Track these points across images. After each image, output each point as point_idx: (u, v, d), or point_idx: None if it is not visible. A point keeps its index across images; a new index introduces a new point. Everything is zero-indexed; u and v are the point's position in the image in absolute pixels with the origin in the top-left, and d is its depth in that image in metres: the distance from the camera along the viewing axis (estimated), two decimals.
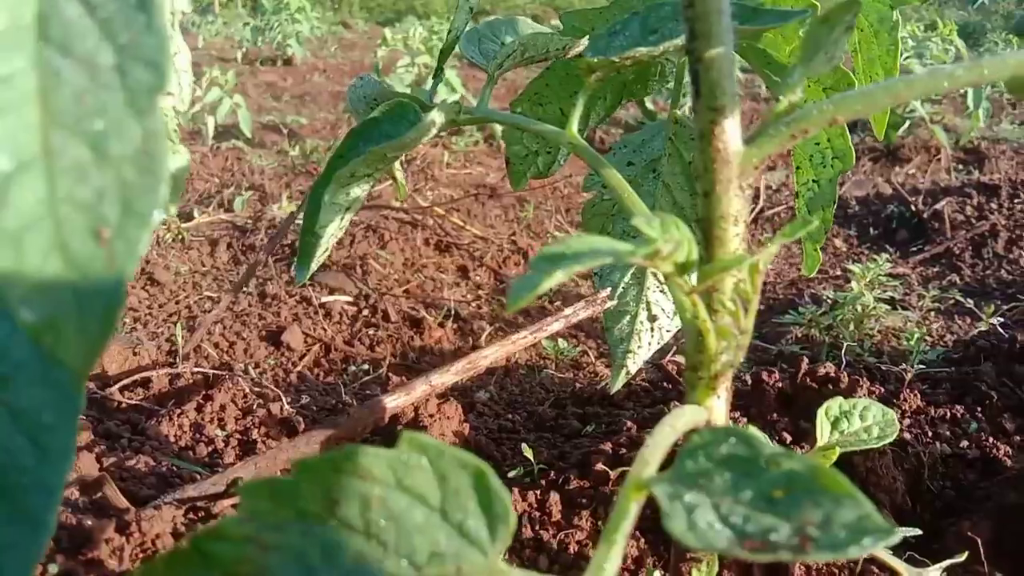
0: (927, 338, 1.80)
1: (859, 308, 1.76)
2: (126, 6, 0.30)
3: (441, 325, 1.81)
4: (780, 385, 0.95)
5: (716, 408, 0.57)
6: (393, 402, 0.78)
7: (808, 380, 0.94)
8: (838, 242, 2.49)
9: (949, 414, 0.95)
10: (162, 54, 0.30)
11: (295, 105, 5.60)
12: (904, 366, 1.04)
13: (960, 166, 4.18)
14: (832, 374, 0.94)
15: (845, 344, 1.62)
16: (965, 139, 4.47)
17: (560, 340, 1.46)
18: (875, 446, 0.64)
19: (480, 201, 2.83)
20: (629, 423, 0.92)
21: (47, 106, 0.30)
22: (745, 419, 0.92)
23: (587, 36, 0.91)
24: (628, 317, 0.92)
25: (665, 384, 1.12)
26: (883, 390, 0.98)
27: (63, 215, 0.29)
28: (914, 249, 2.39)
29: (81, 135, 0.30)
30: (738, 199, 0.55)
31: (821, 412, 0.67)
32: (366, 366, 1.63)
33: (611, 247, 0.42)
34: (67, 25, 0.31)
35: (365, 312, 1.84)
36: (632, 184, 0.97)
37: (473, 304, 2.02)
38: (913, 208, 2.51)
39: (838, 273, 2.27)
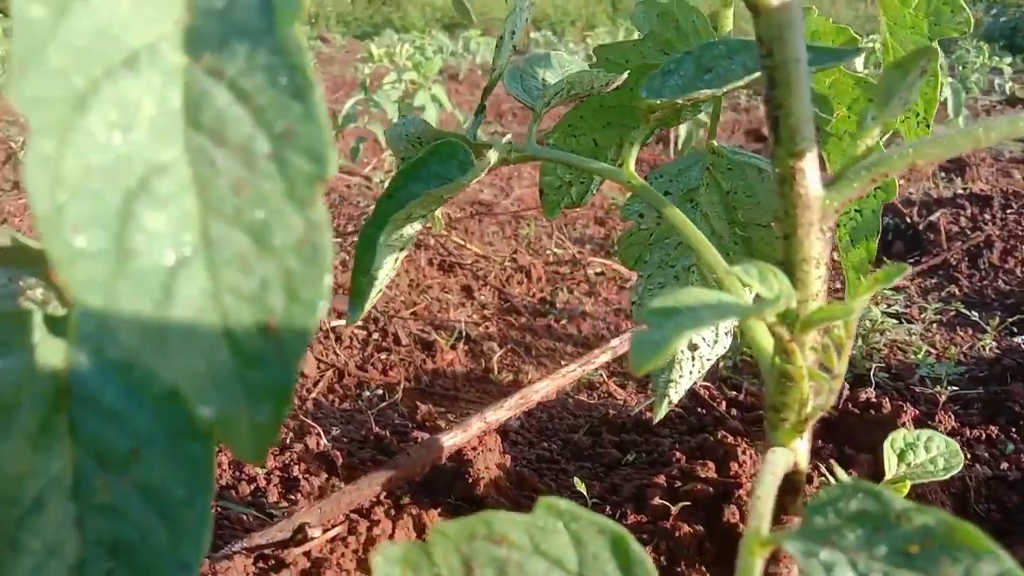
0: (932, 350, 1.83)
1: (867, 323, 1.78)
2: (281, 94, 0.30)
3: (452, 347, 1.81)
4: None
5: (800, 449, 0.57)
6: (450, 440, 0.78)
7: (850, 406, 0.95)
8: (836, 255, 2.52)
9: (984, 435, 0.96)
10: (322, 143, 0.29)
11: None
12: (938, 388, 1.05)
13: (943, 174, 4.24)
14: (873, 399, 0.95)
15: (855, 362, 1.64)
16: None
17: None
18: (943, 478, 0.65)
19: (477, 218, 2.84)
20: (678, 453, 0.92)
21: (204, 196, 0.30)
22: None
23: (626, 71, 0.91)
24: None
25: (700, 410, 1.12)
26: (918, 412, 0.99)
27: (228, 307, 0.29)
28: (911, 261, 2.41)
29: (241, 225, 0.29)
30: (819, 242, 0.55)
31: (887, 445, 0.67)
32: (380, 391, 1.62)
33: (728, 304, 0.42)
34: (218, 113, 0.30)
35: (375, 336, 1.84)
36: None
37: (481, 325, 2.02)
38: (908, 220, 2.54)
39: (838, 286, 2.29)
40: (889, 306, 1.98)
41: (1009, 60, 8.32)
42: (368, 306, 0.78)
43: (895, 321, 1.83)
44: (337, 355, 1.70)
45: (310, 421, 1.17)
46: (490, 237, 2.67)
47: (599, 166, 0.74)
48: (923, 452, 0.66)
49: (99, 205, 0.28)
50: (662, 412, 0.93)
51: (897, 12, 0.81)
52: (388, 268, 0.77)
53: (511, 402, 0.81)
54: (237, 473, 0.95)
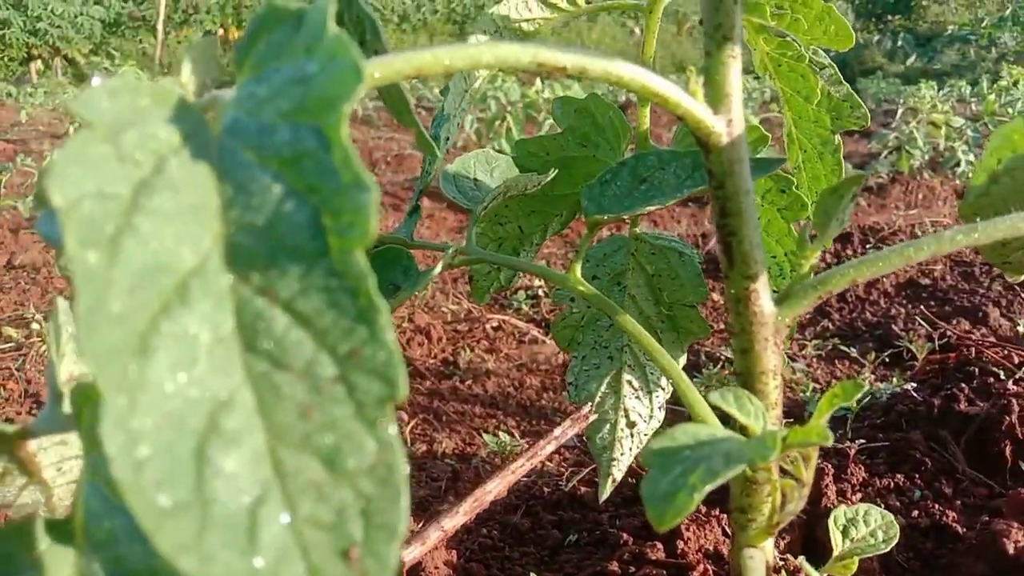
0: (816, 386, 1.95)
1: None
2: (343, 317, 0.30)
3: None
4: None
5: (768, 548, 0.61)
6: (411, 555, 0.77)
7: None
8: (715, 295, 2.65)
9: (892, 483, 1.04)
10: (392, 365, 0.30)
11: None
12: (847, 444, 1.13)
13: None
14: None
15: None
16: None
17: (501, 434, 1.47)
18: (884, 550, 0.70)
19: None
20: (624, 534, 0.95)
21: (271, 425, 0.30)
22: (717, 509, 0.97)
23: (545, 163, 0.95)
24: (608, 426, 0.96)
25: (630, 480, 1.15)
26: (830, 466, 1.06)
27: (309, 539, 0.29)
28: None
29: (312, 452, 0.29)
30: (775, 355, 0.59)
31: (831, 522, 0.72)
32: None
33: (728, 444, 0.45)
34: (276, 337, 0.30)
35: None
36: None
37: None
38: None
39: (722, 326, 2.42)
40: None
41: None
42: None
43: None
44: None
45: None
46: None
47: (549, 272, 0.77)
48: (863, 526, 0.71)
49: (175, 455, 0.27)
50: (607, 491, 0.96)
51: (801, 109, 0.88)
52: None
53: (465, 507, 0.81)
54: None
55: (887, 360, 2.02)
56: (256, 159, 0.34)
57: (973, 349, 1.33)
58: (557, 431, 0.85)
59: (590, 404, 0.94)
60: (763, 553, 0.59)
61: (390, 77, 0.40)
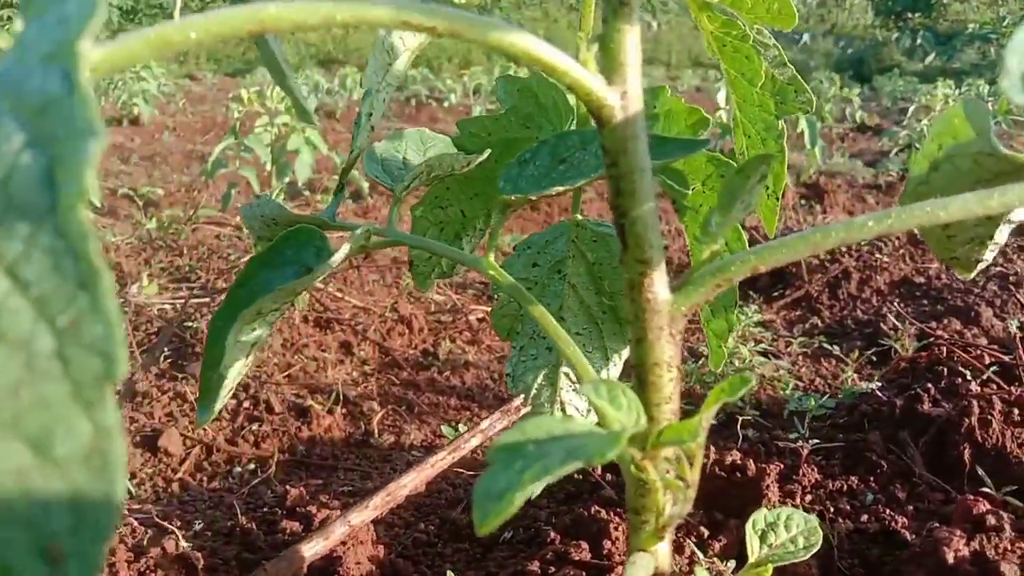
0: (799, 383, 1.91)
1: (735, 362, 1.84)
2: (65, 282, 0.27)
3: (330, 412, 1.75)
4: None
5: (661, 551, 0.57)
6: (311, 550, 0.74)
7: (717, 469, 0.97)
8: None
9: (846, 486, 1.00)
10: (112, 340, 0.26)
11: (146, 167, 5.36)
12: (800, 443, 1.08)
13: (803, 201, 4.49)
14: (739, 461, 0.97)
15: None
16: (805, 175, 4.83)
17: (461, 426, 1.44)
18: (803, 558, 0.66)
19: (356, 267, 2.78)
20: (552, 533, 0.91)
21: None
22: None
23: (488, 144, 0.91)
24: None
25: (576, 475, 1.12)
26: (782, 466, 1.02)
27: (5, 535, 0.25)
28: (776, 294, 2.52)
29: (20, 435, 0.26)
30: (670, 346, 0.55)
31: (749, 527, 0.68)
32: (252, 466, 1.55)
33: (577, 440, 0.41)
34: None
35: (246, 404, 1.76)
36: (538, 285, 0.98)
37: (361, 384, 1.97)
38: None
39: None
40: (758, 342, 2.05)
41: (858, 90, 8.97)
42: (219, 406, 0.74)
43: (762, 358, 1.90)
44: (205, 429, 1.62)
45: (175, 511, 1.10)
46: (370, 286, 2.62)
47: (460, 255, 0.73)
48: (783, 532, 0.67)
49: None
50: (537, 490, 0.92)
51: (746, 91, 0.84)
52: (240, 366, 0.73)
53: (376, 501, 0.78)
54: None
55: (873, 359, 1.97)
56: (10, 108, 0.31)
57: (944, 349, 1.28)
58: (484, 423, 0.82)
59: (524, 396, 0.91)
60: (653, 557, 0.55)
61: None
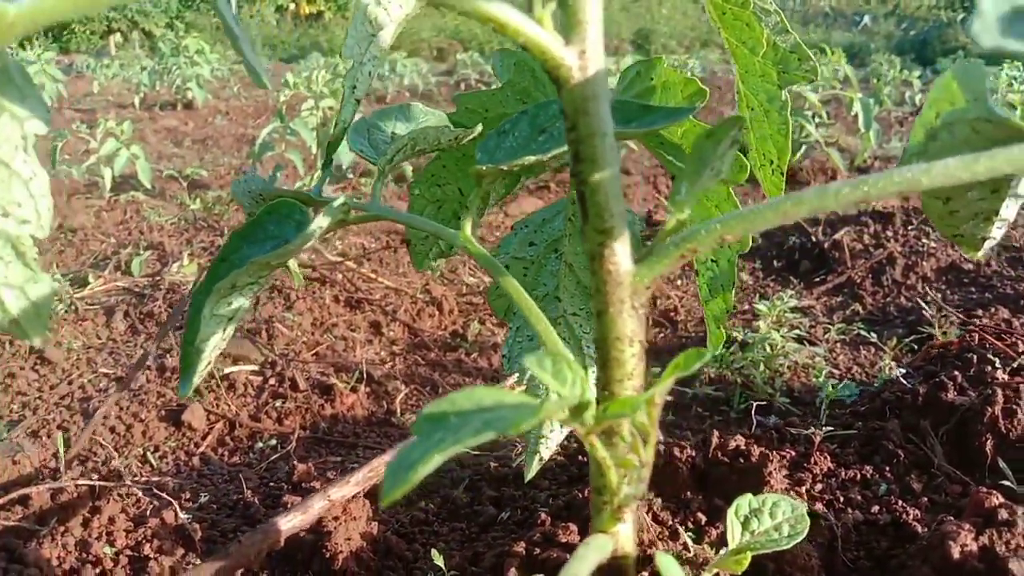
0: (835, 371, 1.85)
1: (767, 348, 1.79)
2: None
3: (353, 390, 1.76)
4: (693, 460, 0.94)
5: (622, 533, 0.55)
6: (288, 524, 0.73)
7: (720, 455, 0.93)
8: (744, 276, 2.54)
9: (859, 475, 0.96)
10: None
11: (197, 151, 5.46)
12: (812, 430, 1.04)
13: None
14: (743, 447, 0.94)
15: (757, 388, 1.65)
16: (859, 160, 4.68)
17: None
18: (786, 547, 0.63)
19: (392, 248, 2.79)
20: (543, 514, 0.89)
21: None
22: (660, 499, 0.91)
23: (479, 122, 0.89)
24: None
25: (581, 457, 1.10)
26: (794, 453, 0.98)
27: None
28: (817, 279, 2.45)
29: None
30: (632, 319, 0.53)
31: (731, 512, 0.65)
32: (274, 441, 1.56)
33: (500, 411, 0.39)
34: None
35: (272, 381, 1.77)
36: (535, 264, 0.95)
37: (387, 364, 1.97)
38: (814, 239, 2.58)
39: (746, 308, 2.31)
40: (793, 328, 1.99)
41: (919, 73, 8.66)
42: (198, 379, 0.74)
43: (797, 345, 1.84)
44: (229, 405, 1.64)
45: (190, 484, 1.11)
46: (405, 267, 2.63)
47: (436, 227, 0.71)
48: (768, 519, 0.65)
49: None
50: (533, 470, 0.90)
51: (747, 61, 0.80)
52: (217, 339, 0.73)
53: (358, 477, 0.77)
54: (82, 555, 0.89)
55: (915, 347, 1.90)
56: None
57: (977, 336, 1.22)
58: None
59: (519, 377, 0.89)
60: (612, 539, 0.53)
61: None
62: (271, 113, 6.86)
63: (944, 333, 1.78)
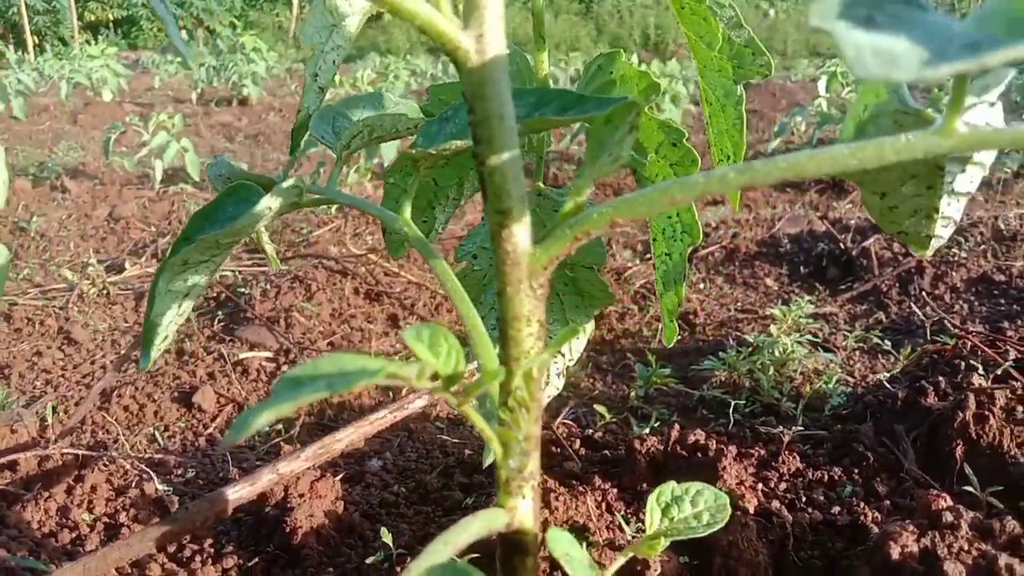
0: (849, 379, 1.82)
1: (778, 353, 1.77)
2: None
3: None
4: (652, 453, 0.94)
5: (521, 508, 0.56)
6: (235, 494, 0.76)
7: (679, 448, 0.93)
8: (769, 281, 2.51)
9: (827, 476, 0.95)
10: None
11: (248, 146, 5.60)
12: (781, 428, 1.03)
13: None
14: (702, 441, 0.93)
15: (764, 392, 1.63)
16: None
17: None
18: (702, 534, 0.64)
19: None
20: None
21: None
22: (616, 489, 0.91)
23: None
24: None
25: (553, 449, 1.11)
26: (764, 452, 0.98)
27: None
28: (843, 287, 2.41)
29: None
30: (530, 299, 0.54)
31: (652, 498, 0.66)
32: (280, 426, 1.60)
33: (358, 368, 0.41)
34: None
35: (284, 368, 1.82)
36: None
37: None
38: (842, 246, 2.54)
39: (767, 313, 2.29)
40: (809, 334, 1.97)
41: None
42: (156, 353, 0.77)
43: (808, 351, 1.82)
44: (240, 389, 1.69)
45: (189, 462, 1.15)
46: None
47: (380, 211, 0.73)
48: (688, 507, 0.65)
49: None
50: (490, 458, 0.92)
51: (705, 55, 0.81)
52: (172, 314, 0.76)
53: (309, 452, 0.79)
54: (61, 520, 0.93)
55: (934, 356, 1.85)
56: None
57: (968, 343, 1.19)
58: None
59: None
60: (509, 514, 0.54)
61: None
62: None
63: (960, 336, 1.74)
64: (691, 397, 1.74)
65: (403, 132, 0.82)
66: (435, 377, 0.48)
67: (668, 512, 0.65)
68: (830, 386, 1.70)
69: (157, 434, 1.50)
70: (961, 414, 0.94)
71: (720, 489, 0.94)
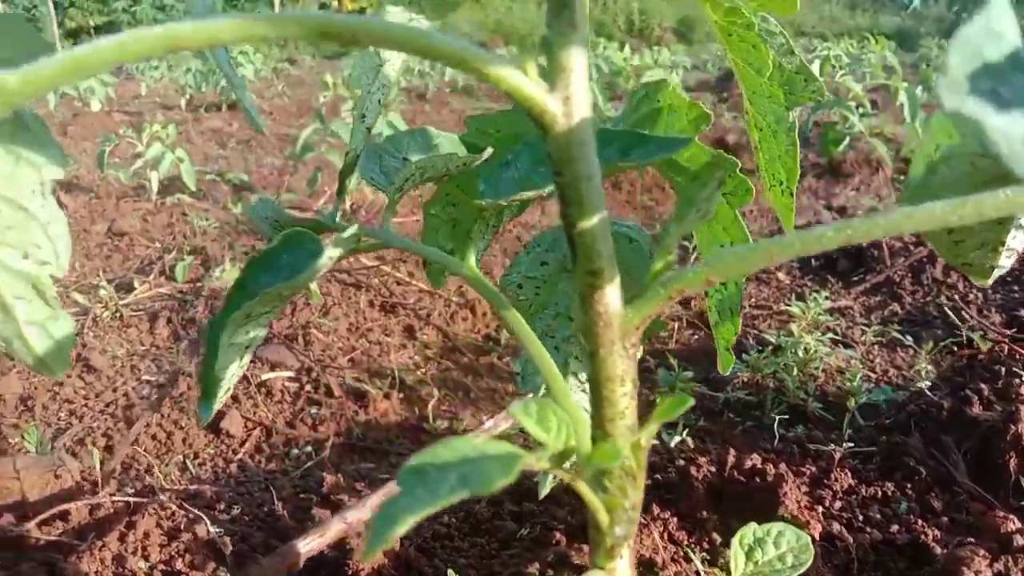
0: (871, 375, 1.82)
1: (800, 353, 1.77)
2: None
3: (387, 396, 1.79)
4: (709, 479, 0.94)
5: (619, 570, 0.56)
6: (307, 546, 0.76)
7: (736, 474, 0.93)
8: (781, 275, 2.51)
9: (880, 492, 0.95)
10: None
11: (241, 151, 5.56)
12: (832, 446, 1.04)
13: (902, 177, 4.27)
14: (759, 465, 0.94)
15: (790, 393, 1.64)
16: (905, 150, 4.58)
17: None
18: None
19: None
20: (559, 534, 0.91)
21: None
22: (676, 518, 0.91)
23: (490, 143, 0.90)
24: None
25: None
26: (815, 470, 0.98)
27: None
28: (855, 279, 2.41)
29: None
30: (623, 359, 0.54)
31: (735, 541, 0.66)
32: (309, 448, 1.59)
33: (478, 465, 0.40)
34: None
35: (308, 387, 1.81)
36: (547, 283, 0.96)
37: (420, 369, 2.00)
38: None
39: (782, 308, 2.29)
40: (827, 330, 1.97)
41: None
42: (217, 405, 0.76)
43: (829, 349, 1.82)
44: (266, 412, 1.68)
45: (227, 492, 1.14)
46: None
47: (442, 257, 0.73)
48: (772, 548, 0.65)
49: None
50: (547, 487, 0.92)
51: (754, 82, 0.80)
52: (235, 367, 0.75)
53: (373, 501, 0.79)
54: (118, 570, 0.93)
55: (955, 349, 1.86)
56: None
57: (1006, 347, 1.19)
58: (489, 423, 0.82)
59: (532, 395, 0.90)
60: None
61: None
62: (314, 112, 6.96)
63: (983, 336, 1.75)
64: (716, 400, 1.74)
65: (453, 171, 0.81)
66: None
67: (752, 555, 0.65)
68: (855, 384, 1.70)
69: (188, 463, 1.49)
70: (1014, 426, 0.95)
71: (783, 516, 0.94)
